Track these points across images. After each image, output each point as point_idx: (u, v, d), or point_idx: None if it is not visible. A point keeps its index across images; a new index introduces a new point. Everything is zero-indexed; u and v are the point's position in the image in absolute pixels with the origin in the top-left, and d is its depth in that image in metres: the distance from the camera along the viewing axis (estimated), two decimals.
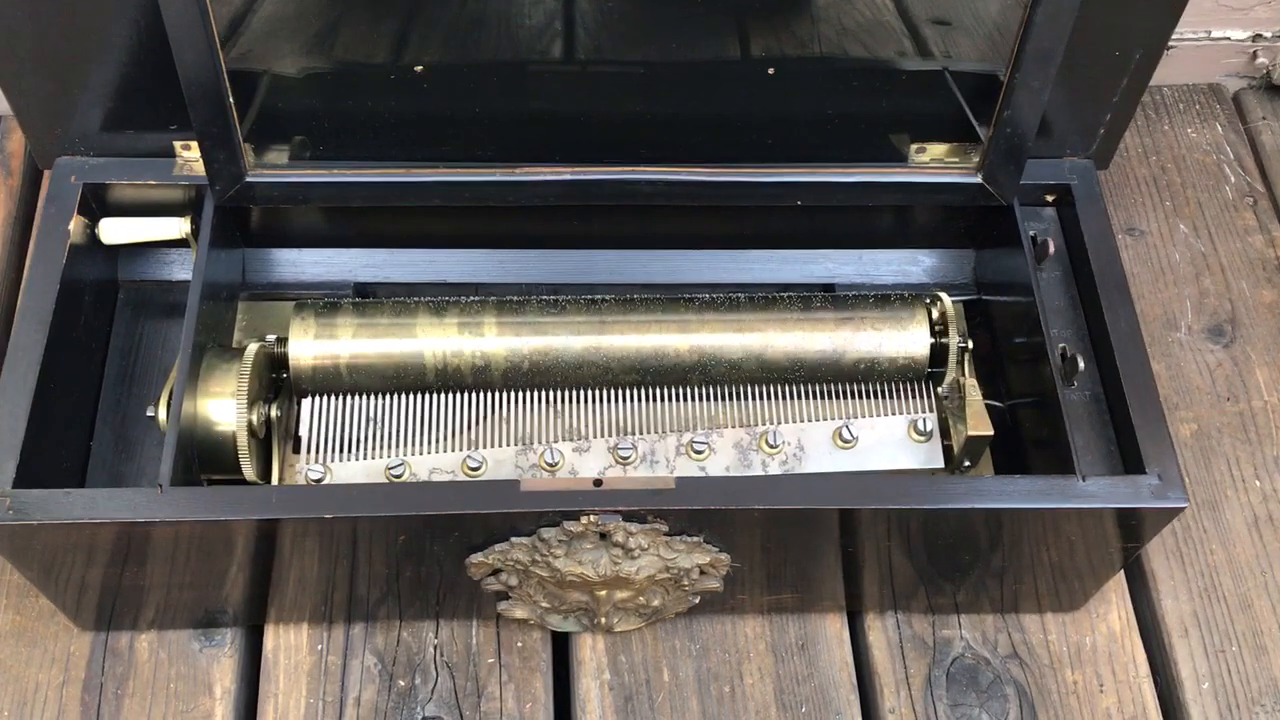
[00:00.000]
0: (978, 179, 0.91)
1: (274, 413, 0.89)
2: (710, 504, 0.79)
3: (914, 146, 0.92)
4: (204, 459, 0.86)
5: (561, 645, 0.94)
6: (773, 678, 0.92)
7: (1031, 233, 0.94)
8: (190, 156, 0.91)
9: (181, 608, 0.90)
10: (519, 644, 0.93)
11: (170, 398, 0.83)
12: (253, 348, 0.88)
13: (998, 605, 0.95)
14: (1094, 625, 0.96)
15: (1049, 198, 0.97)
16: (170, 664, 0.89)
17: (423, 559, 0.85)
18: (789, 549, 0.87)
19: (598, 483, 0.79)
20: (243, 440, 0.84)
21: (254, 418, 0.85)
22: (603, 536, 0.80)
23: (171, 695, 0.89)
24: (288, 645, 0.91)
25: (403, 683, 0.90)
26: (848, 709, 0.92)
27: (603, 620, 0.89)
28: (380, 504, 0.78)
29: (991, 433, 0.88)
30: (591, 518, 0.78)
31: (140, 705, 0.88)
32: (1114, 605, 0.97)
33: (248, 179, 0.88)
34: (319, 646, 0.91)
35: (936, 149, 0.92)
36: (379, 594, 0.90)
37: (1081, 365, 0.86)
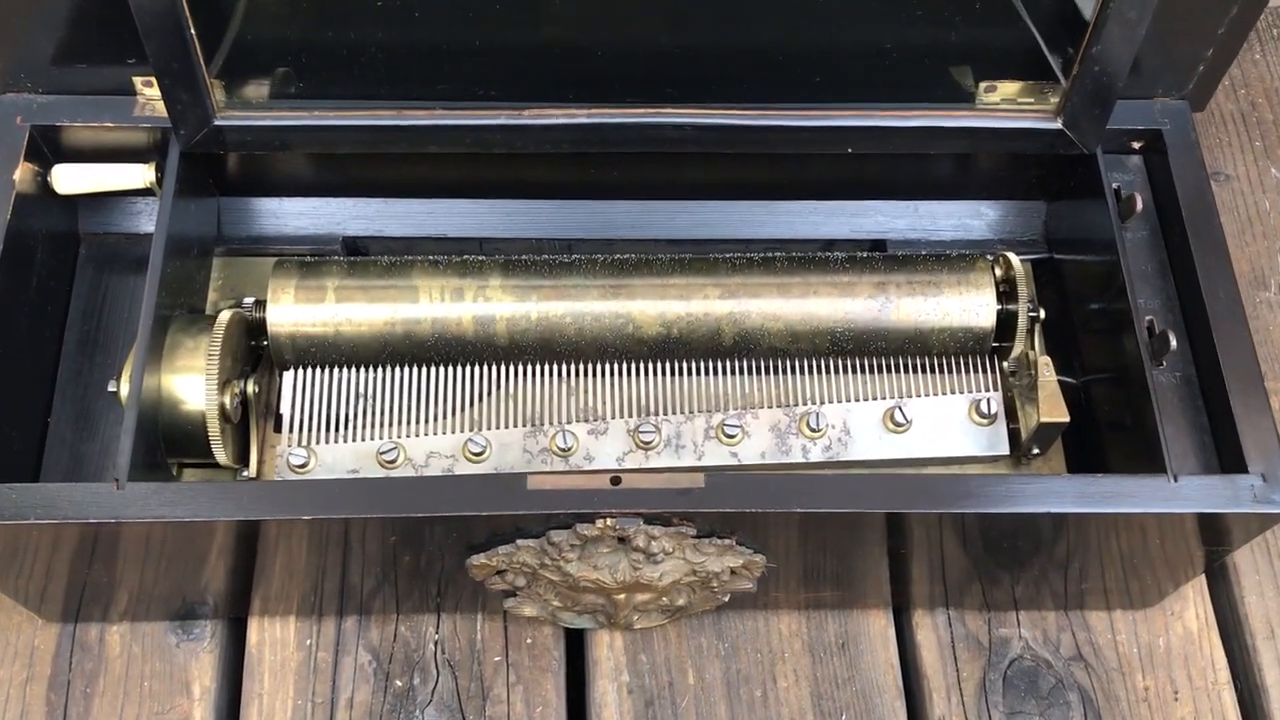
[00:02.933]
0: (1057, 124, 0.79)
1: (251, 389, 0.79)
2: (745, 506, 0.69)
3: (983, 85, 0.81)
4: (172, 442, 0.77)
5: (576, 642, 0.86)
6: (809, 680, 0.84)
7: (1114, 184, 0.82)
8: (152, 95, 0.80)
9: (156, 598, 0.82)
10: (528, 641, 0.85)
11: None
12: (225, 316, 0.77)
13: (1061, 601, 0.86)
14: (1168, 624, 0.87)
15: (1135, 144, 0.85)
16: (144, 659, 0.83)
17: (422, 549, 0.76)
18: (831, 548, 0.77)
19: (616, 480, 0.69)
20: (214, 425, 0.75)
21: (226, 400, 0.75)
22: (621, 540, 0.71)
23: (145, 694, 0.82)
24: (273, 640, 0.84)
25: (400, 683, 0.83)
26: (892, 716, 0.83)
27: (621, 619, 0.80)
28: (366, 504, 0.69)
29: (1068, 419, 0.78)
30: (609, 521, 0.68)
31: (111, 705, 0.81)
32: (1191, 602, 0.88)
33: (216, 122, 0.77)
34: (308, 641, 0.84)
35: (1008, 88, 0.81)
36: (374, 584, 0.81)
37: (1174, 344, 0.75)
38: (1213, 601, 0.87)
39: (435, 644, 0.84)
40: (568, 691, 0.84)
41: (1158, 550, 0.78)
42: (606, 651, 0.85)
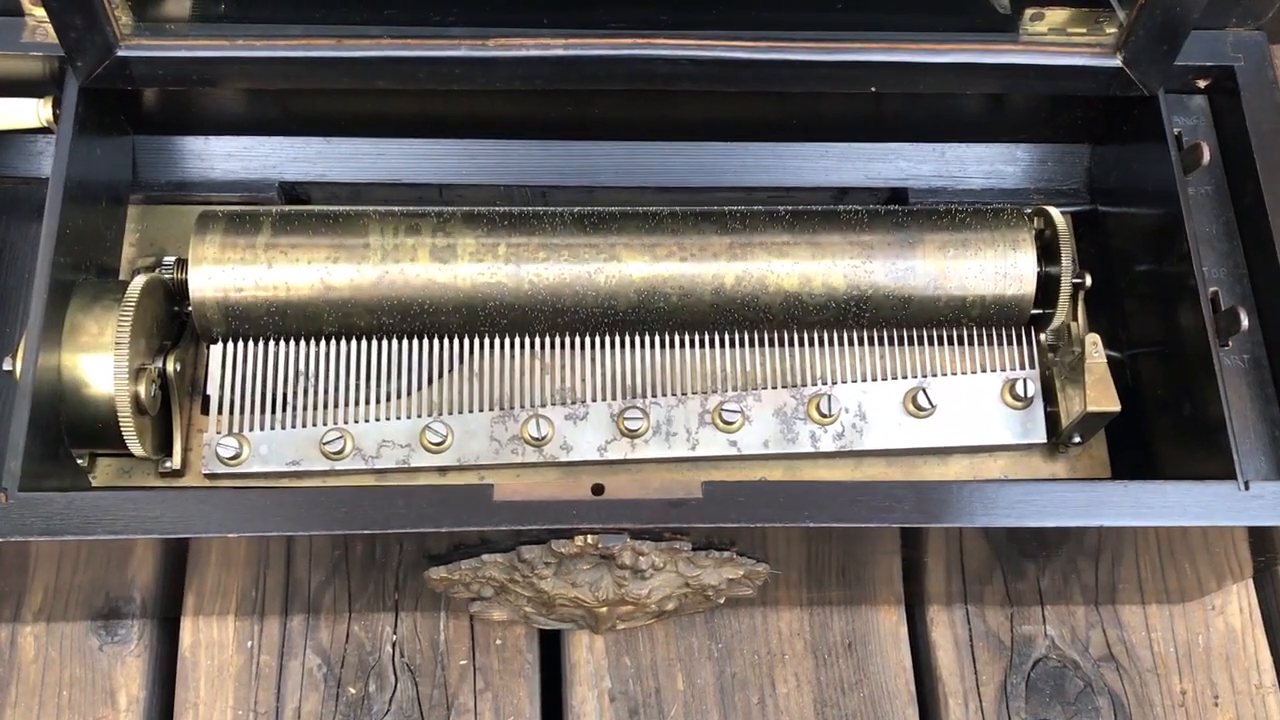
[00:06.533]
0: (1116, 61, 0.69)
1: (172, 367, 0.69)
2: (749, 520, 0.61)
3: (1028, 13, 0.72)
4: (79, 433, 0.67)
5: (551, 643, 0.80)
6: (812, 685, 0.78)
7: (1176, 130, 0.71)
8: (44, 16, 0.67)
9: (76, 596, 0.74)
10: (498, 642, 0.78)
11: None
12: (137, 283, 0.67)
13: (1091, 595, 0.79)
14: (1208, 620, 0.81)
15: (1200, 82, 0.75)
16: (63, 665, 0.76)
17: (375, 547, 0.66)
18: (841, 550, 0.69)
19: (598, 489, 0.60)
20: (126, 418, 0.64)
21: (141, 389, 0.65)
22: (605, 556, 0.61)
23: (64, 705, 0.75)
24: (210, 641, 0.77)
25: (353, 690, 0.76)
26: None
27: (604, 628, 0.71)
28: (302, 519, 0.60)
29: (1118, 408, 0.68)
30: (589, 538, 0.59)
31: (25, 717, 0.75)
32: (1234, 595, 0.82)
33: (120, 53, 0.67)
34: (249, 643, 0.77)
35: (1056, 16, 0.72)
36: (323, 579, 0.73)
37: (1245, 323, 0.65)
38: (1257, 594, 0.82)
39: (393, 646, 0.77)
40: (543, 699, 0.77)
41: (1201, 548, 0.70)
42: (586, 654, 0.77)
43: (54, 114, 0.70)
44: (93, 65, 0.66)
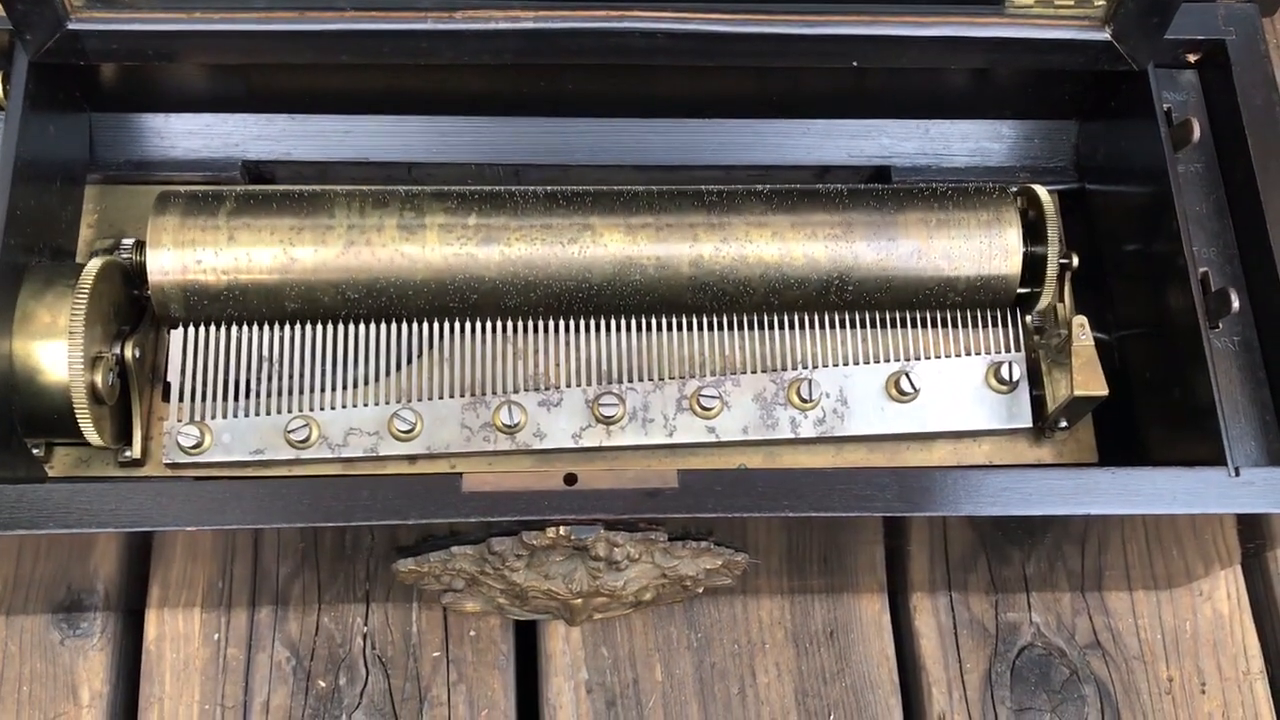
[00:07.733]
0: (1105, 35, 0.67)
1: (131, 353, 0.66)
2: (726, 510, 0.59)
3: None
4: (34, 421, 0.64)
5: (527, 634, 0.78)
6: (793, 675, 0.76)
7: (1165, 106, 0.69)
8: None
9: (37, 587, 0.72)
10: (472, 633, 0.76)
11: None
12: (93, 266, 0.64)
13: (1077, 581, 0.78)
14: (1196, 606, 0.80)
15: (1190, 56, 0.73)
16: (22, 660, 0.75)
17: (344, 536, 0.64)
18: (822, 537, 0.67)
19: (570, 479, 0.58)
20: (82, 407, 0.62)
21: (98, 378, 0.62)
22: (578, 548, 0.59)
23: (24, 700, 0.74)
24: (175, 634, 0.75)
25: (323, 683, 0.75)
26: (887, 714, 0.76)
27: (579, 620, 0.69)
28: (263, 511, 0.58)
29: (1106, 392, 0.66)
30: (561, 530, 0.57)
31: None
32: (1221, 581, 0.81)
33: (71, 26, 0.64)
34: (215, 636, 0.76)
35: None
36: (291, 568, 0.71)
37: (1235, 304, 0.63)
38: (1245, 579, 0.81)
39: (364, 637, 0.76)
40: (518, 691, 0.76)
41: (1189, 534, 0.69)
42: (562, 645, 0.76)
43: (3, 89, 0.67)
44: (43, 39, 0.64)
